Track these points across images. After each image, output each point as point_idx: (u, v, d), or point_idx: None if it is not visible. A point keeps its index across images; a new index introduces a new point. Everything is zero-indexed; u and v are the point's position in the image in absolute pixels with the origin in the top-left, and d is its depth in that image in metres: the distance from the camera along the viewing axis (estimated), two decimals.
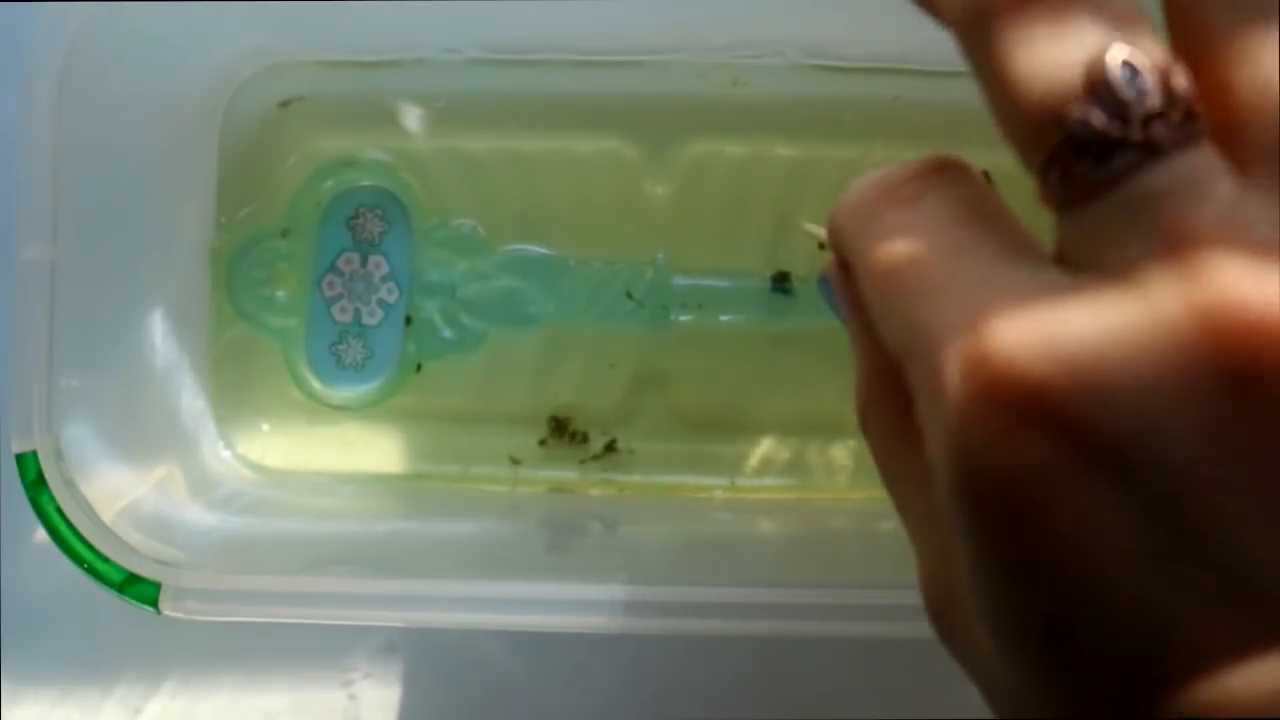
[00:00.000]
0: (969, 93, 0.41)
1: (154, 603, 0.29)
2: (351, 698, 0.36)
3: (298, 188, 0.37)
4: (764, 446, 0.37)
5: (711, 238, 0.37)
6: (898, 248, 0.16)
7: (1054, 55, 0.15)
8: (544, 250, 0.37)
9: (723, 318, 0.37)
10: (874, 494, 0.37)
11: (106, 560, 0.29)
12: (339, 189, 0.37)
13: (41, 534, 0.30)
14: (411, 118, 0.37)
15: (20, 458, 0.30)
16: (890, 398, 0.19)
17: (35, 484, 0.29)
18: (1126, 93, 0.14)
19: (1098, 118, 0.14)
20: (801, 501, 0.37)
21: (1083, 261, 0.15)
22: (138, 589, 0.29)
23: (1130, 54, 0.14)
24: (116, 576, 0.29)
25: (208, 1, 0.32)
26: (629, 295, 0.37)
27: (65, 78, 0.30)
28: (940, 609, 0.17)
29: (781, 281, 0.37)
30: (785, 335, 0.37)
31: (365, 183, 0.37)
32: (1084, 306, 0.14)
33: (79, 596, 0.33)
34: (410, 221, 0.37)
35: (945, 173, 0.17)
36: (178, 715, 0.36)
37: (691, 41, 0.36)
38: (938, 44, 0.39)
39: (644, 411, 0.37)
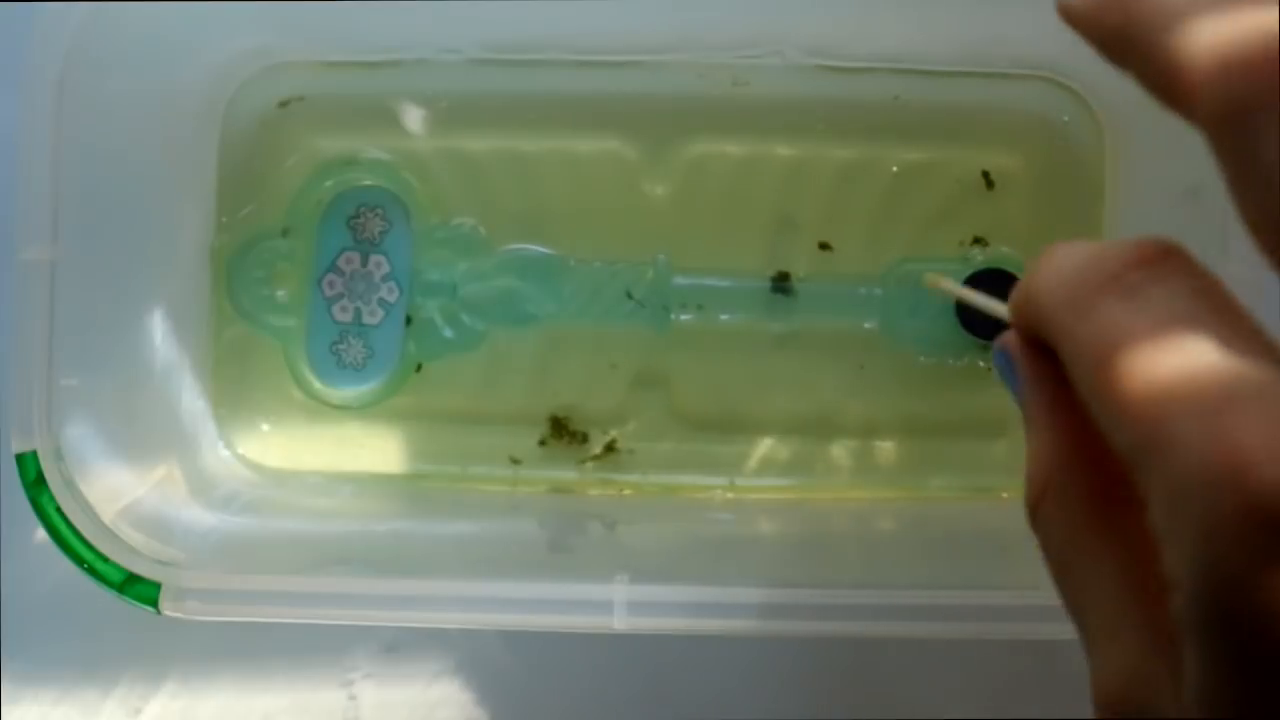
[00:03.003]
0: (969, 93, 0.41)
1: (154, 603, 0.29)
2: (351, 698, 0.36)
3: (298, 187, 0.37)
4: (764, 446, 0.37)
5: (711, 238, 0.37)
6: (1128, 342, 0.16)
7: None
8: (544, 250, 0.37)
9: (723, 318, 0.37)
10: (874, 494, 0.37)
11: (106, 560, 0.29)
12: (339, 188, 0.37)
13: (41, 534, 0.30)
14: (412, 118, 0.37)
15: (20, 458, 0.30)
16: (1082, 484, 0.18)
17: (35, 484, 0.29)
18: None
19: None
20: (801, 501, 0.37)
21: None
22: (138, 589, 0.29)
23: None
24: (116, 576, 0.29)
25: (208, 1, 0.32)
26: (629, 295, 0.37)
27: (65, 78, 0.30)
28: (1127, 710, 0.16)
29: (781, 281, 0.36)
30: (785, 335, 0.37)
31: (366, 182, 0.37)
32: None
33: (79, 596, 0.33)
34: (411, 221, 0.37)
35: (1169, 262, 0.16)
36: (178, 715, 0.36)
37: (691, 41, 0.36)
38: (938, 44, 0.39)
39: (644, 411, 0.37)
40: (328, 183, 0.37)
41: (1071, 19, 0.18)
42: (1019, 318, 0.19)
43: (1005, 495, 0.36)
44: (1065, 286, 0.17)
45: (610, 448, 0.37)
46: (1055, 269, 0.17)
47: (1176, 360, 0.15)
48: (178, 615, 0.29)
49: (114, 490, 0.31)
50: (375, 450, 0.37)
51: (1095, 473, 0.18)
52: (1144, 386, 0.15)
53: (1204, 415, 0.14)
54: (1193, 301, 0.16)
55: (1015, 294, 0.19)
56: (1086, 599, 0.18)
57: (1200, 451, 0.14)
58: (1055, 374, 0.18)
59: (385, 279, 0.37)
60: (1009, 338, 0.20)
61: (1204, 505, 0.14)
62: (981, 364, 0.36)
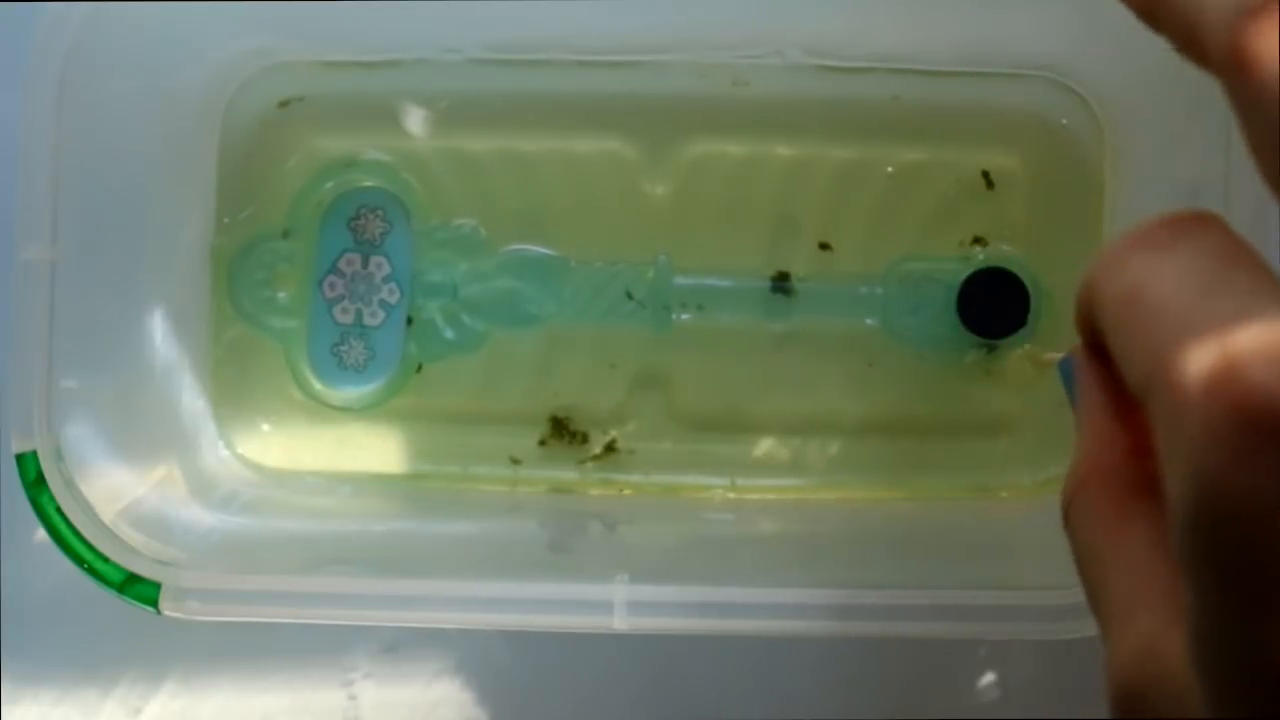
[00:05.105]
0: (968, 93, 0.41)
1: (154, 603, 0.29)
2: (351, 698, 0.36)
3: (298, 188, 0.37)
4: (764, 446, 0.37)
5: (711, 238, 0.37)
6: (1149, 285, 0.17)
7: None
8: (544, 250, 0.37)
9: (723, 318, 0.37)
10: (874, 494, 0.37)
11: (106, 560, 0.29)
12: (340, 189, 0.37)
13: (41, 534, 0.30)
14: (412, 118, 0.37)
15: (20, 458, 0.30)
16: (1115, 479, 0.19)
17: (35, 484, 0.29)
18: None
19: None
20: (801, 501, 0.37)
21: None
22: (138, 589, 0.29)
23: None
24: (116, 576, 0.29)
25: (208, 1, 0.32)
26: (629, 295, 0.37)
27: (65, 78, 0.30)
28: (1137, 687, 0.17)
29: (781, 281, 0.36)
30: (785, 335, 0.37)
31: (366, 183, 0.37)
32: None
33: (79, 596, 0.33)
34: (411, 222, 0.37)
35: (1202, 224, 0.17)
36: (178, 715, 0.36)
37: (691, 41, 0.36)
38: (937, 44, 0.39)
39: (644, 411, 0.37)
40: (328, 184, 0.37)
41: None
42: (1077, 316, 0.19)
43: (1005, 495, 0.36)
44: (1104, 256, 0.18)
45: (610, 448, 0.37)
46: (1100, 251, 0.18)
47: (1191, 299, 0.16)
48: (178, 615, 0.29)
49: (114, 490, 0.31)
50: (376, 450, 0.37)
51: (1130, 469, 0.18)
52: (1160, 319, 0.16)
53: (1209, 338, 0.15)
54: (1218, 255, 0.17)
55: (1078, 291, 0.19)
56: (1107, 587, 0.18)
57: (1198, 366, 0.15)
58: (1110, 381, 0.19)
59: (386, 280, 0.37)
60: (1076, 347, 0.20)
61: (1197, 416, 0.14)
62: (984, 363, 0.36)
